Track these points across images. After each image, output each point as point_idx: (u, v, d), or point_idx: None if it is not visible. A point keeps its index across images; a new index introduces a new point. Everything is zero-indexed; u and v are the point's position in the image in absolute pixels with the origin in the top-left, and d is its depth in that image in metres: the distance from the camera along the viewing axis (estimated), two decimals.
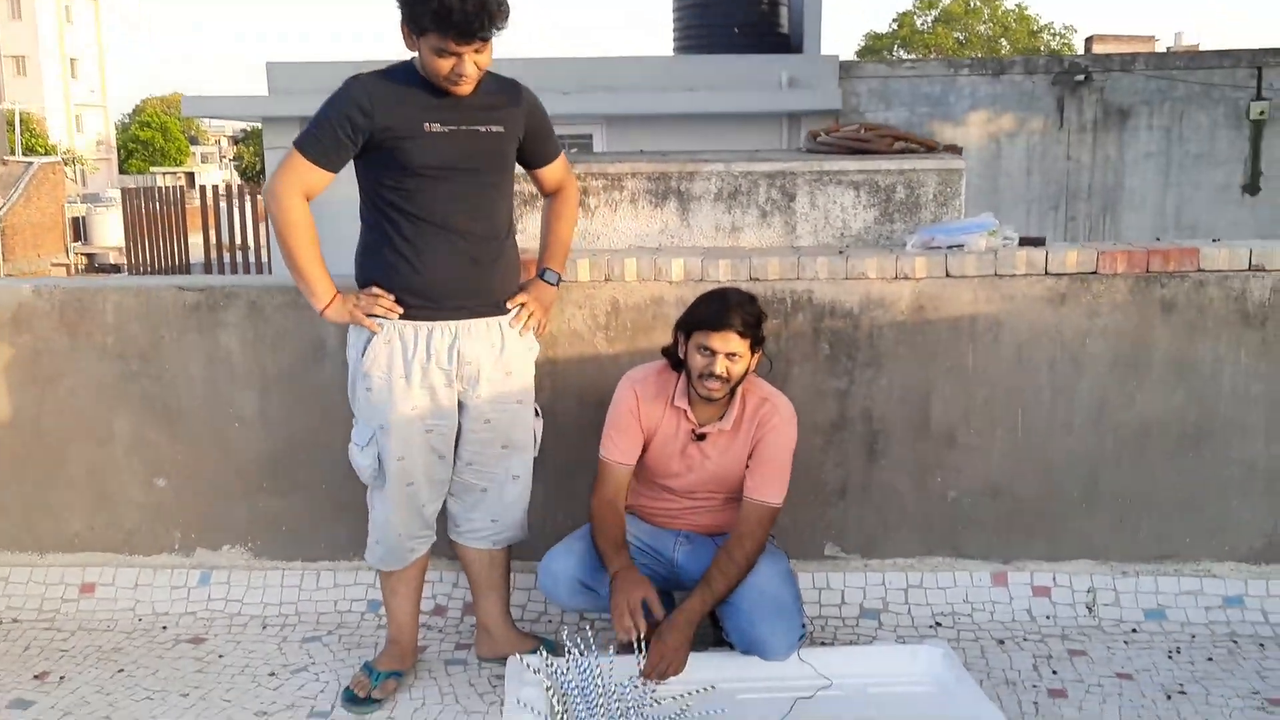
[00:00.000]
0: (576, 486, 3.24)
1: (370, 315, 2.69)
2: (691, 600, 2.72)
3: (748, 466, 2.86)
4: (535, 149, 2.89)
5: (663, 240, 3.48)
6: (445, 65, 2.56)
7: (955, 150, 3.70)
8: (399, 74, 2.67)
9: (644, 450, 2.93)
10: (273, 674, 3.01)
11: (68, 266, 25.50)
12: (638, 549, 2.91)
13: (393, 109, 2.61)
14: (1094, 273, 3.17)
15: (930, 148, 3.59)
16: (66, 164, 35.57)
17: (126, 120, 56.53)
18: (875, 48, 38.97)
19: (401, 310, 2.70)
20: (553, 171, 2.97)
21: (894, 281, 3.20)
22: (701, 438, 2.87)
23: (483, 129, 2.70)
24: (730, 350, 2.74)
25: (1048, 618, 3.24)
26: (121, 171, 49.31)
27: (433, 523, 2.93)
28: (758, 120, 9.39)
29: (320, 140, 2.61)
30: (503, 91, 2.77)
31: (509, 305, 2.83)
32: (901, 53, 38.20)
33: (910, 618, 3.26)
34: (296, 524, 3.44)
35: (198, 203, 15.24)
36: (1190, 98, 9.45)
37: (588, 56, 9.19)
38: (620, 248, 3.48)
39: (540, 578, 2.84)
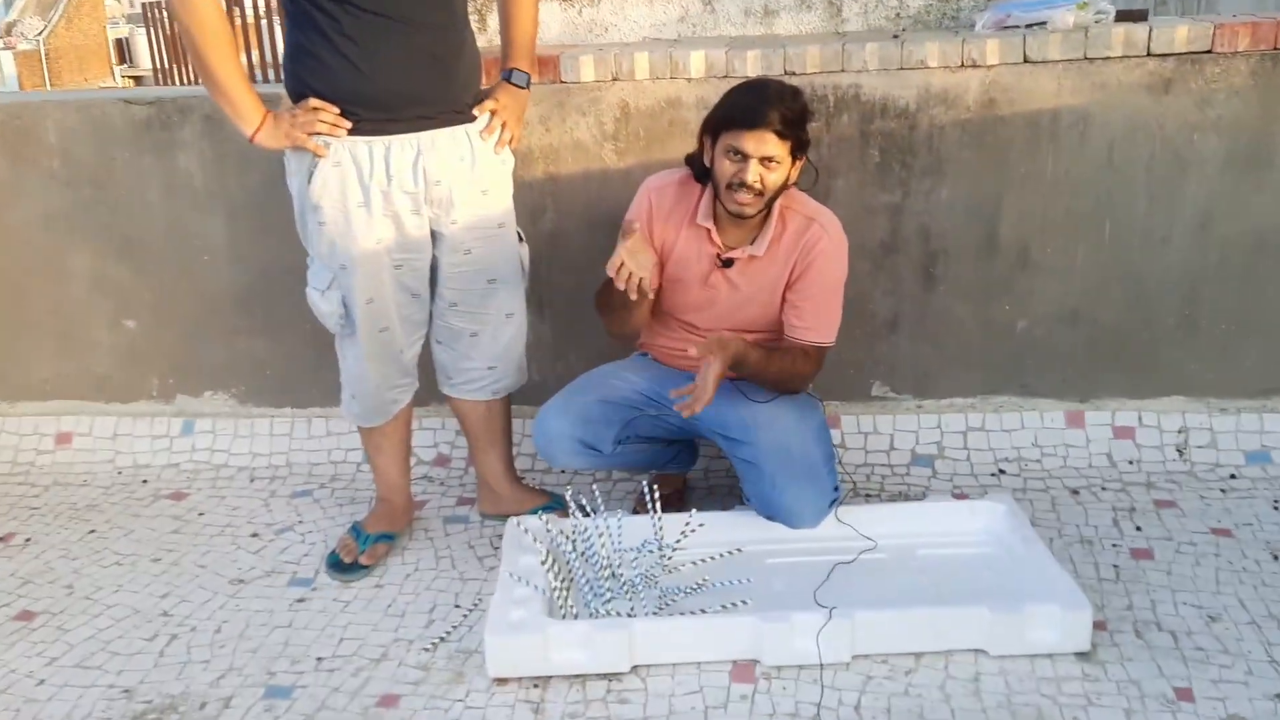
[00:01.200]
0: (586, 322, 2.83)
1: (313, 135, 2.24)
2: (748, 348, 2.33)
3: (785, 300, 2.41)
4: None
5: (682, 31, 2.94)
6: None
7: None
8: None
9: (659, 276, 2.50)
10: (255, 534, 2.72)
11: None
12: (647, 399, 2.52)
13: None
14: (1208, 52, 2.59)
15: None
16: None
17: None
18: None
19: (349, 125, 2.23)
20: None
21: (960, 71, 2.64)
22: (728, 264, 2.42)
23: None
24: (766, 154, 2.25)
25: (1131, 463, 2.81)
26: None
27: (413, 368, 2.56)
28: None
29: None
30: None
31: (475, 113, 2.35)
32: None
33: (969, 465, 2.86)
34: (283, 367, 3.10)
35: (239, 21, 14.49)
36: None
37: None
38: (631, 41, 2.94)
39: (535, 437, 2.46)
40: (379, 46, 2.19)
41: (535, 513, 2.67)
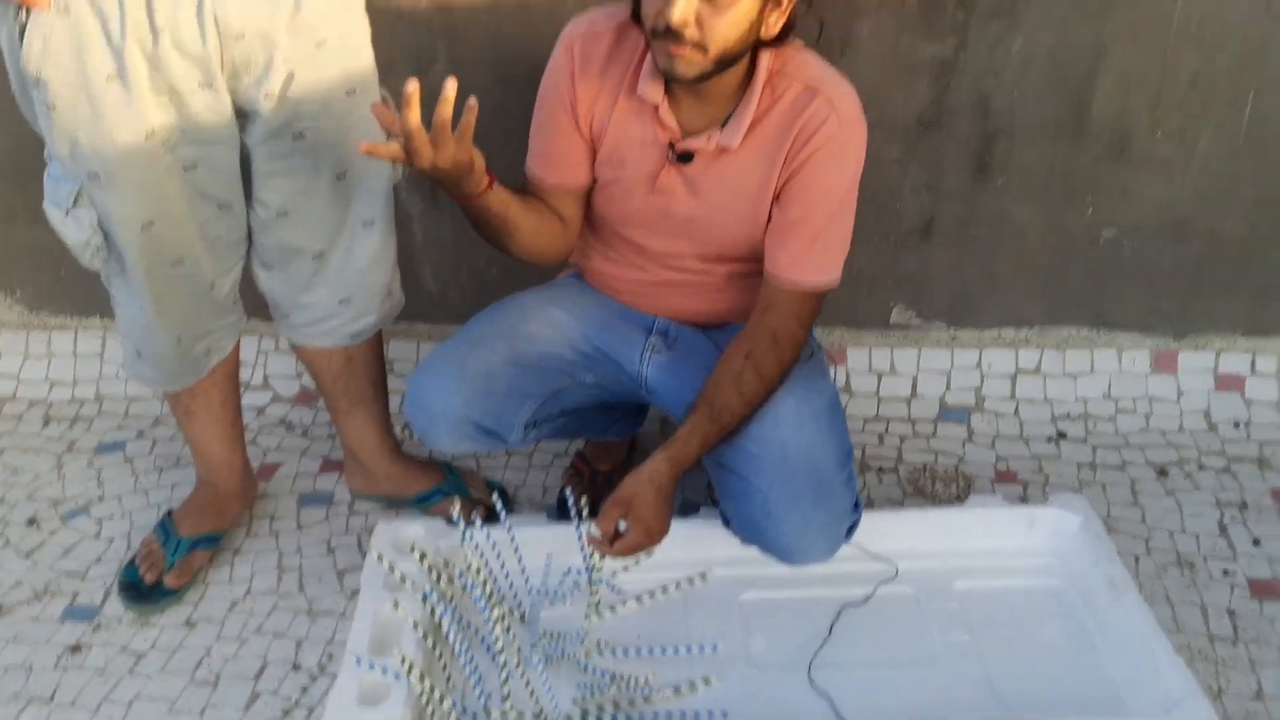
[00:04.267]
0: None
1: None
2: (680, 439, 1.56)
3: (772, 215, 1.58)
4: None
5: None
6: None
7: None
8: None
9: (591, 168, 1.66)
10: (33, 520, 1.97)
11: None
12: (583, 355, 1.72)
13: None
14: None
15: None
16: None
17: None
18: None
19: None
20: None
21: None
22: (686, 158, 1.56)
23: None
24: None
25: (1237, 426, 2.08)
26: None
27: (233, 302, 1.74)
28: None
29: None
30: None
31: None
32: None
33: (1018, 423, 2.11)
34: (74, 264, 2.25)
35: None
36: None
37: None
38: None
39: (409, 408, 1.66)
40: None
41: (421, 502, 1.93)
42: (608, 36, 1.58)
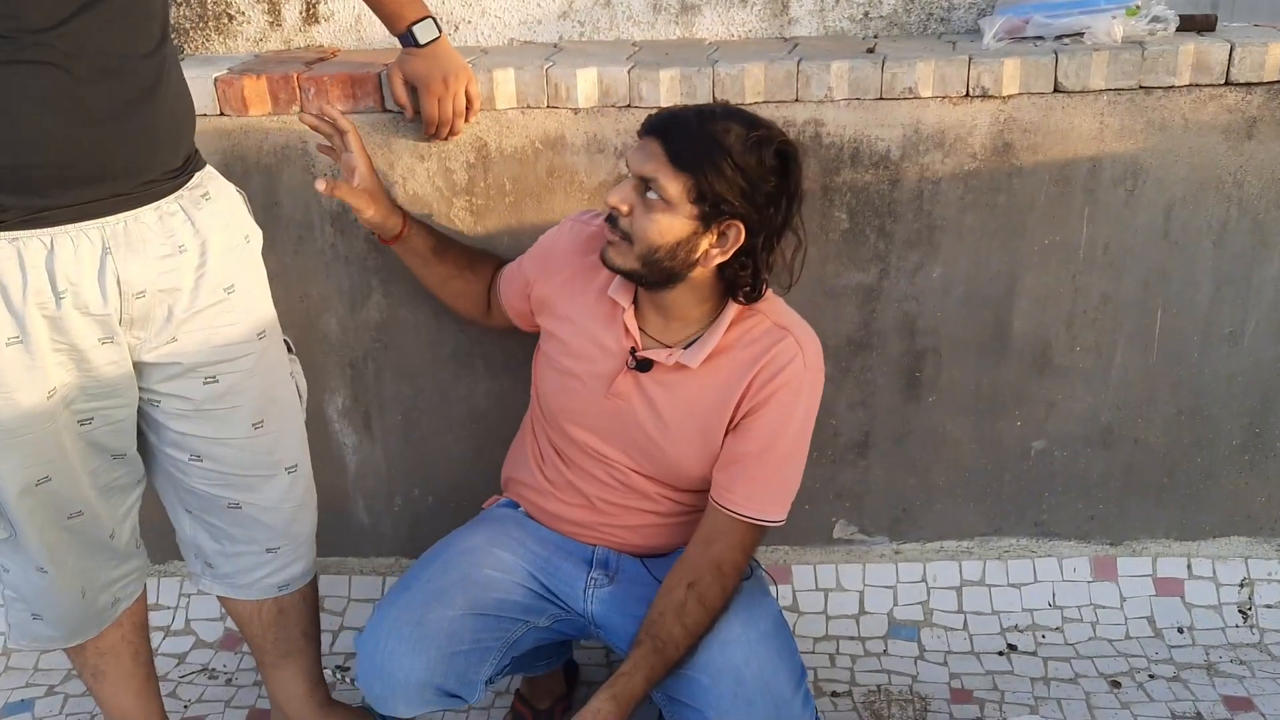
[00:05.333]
0: (436, 440, 2.05)
1: None
2: (624, 675, 1.50)
3: (725, 444, 1.59)
4: None
5: (566, 30, 2.06)
6: None
7: None
8: None
9: (538, 355, 1.72)
10: None
11: None
12: (537, 596, 1.66)
13: None
14: None
15: None
16: None
17: None
18: None
19: None
20: None
21: (962, 103, 1.84)
22: (644, 366, 1.59)
23: None
24: (645, 173, 1.46)
25: (1181, 631, 2.09)
26: None
27: (135, 545, 1.68)
28: None
29: None
30: None
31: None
32: None
33: (967, 636, 2.10)
34: None
35: None
36: None
37: None
38: (494, 45, 2.06)
39: (363, 677, 1.58)
40: (22, 89, 1.27)
41: None
42: (592, 233, 1.65)
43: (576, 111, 1.87)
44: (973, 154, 1.87)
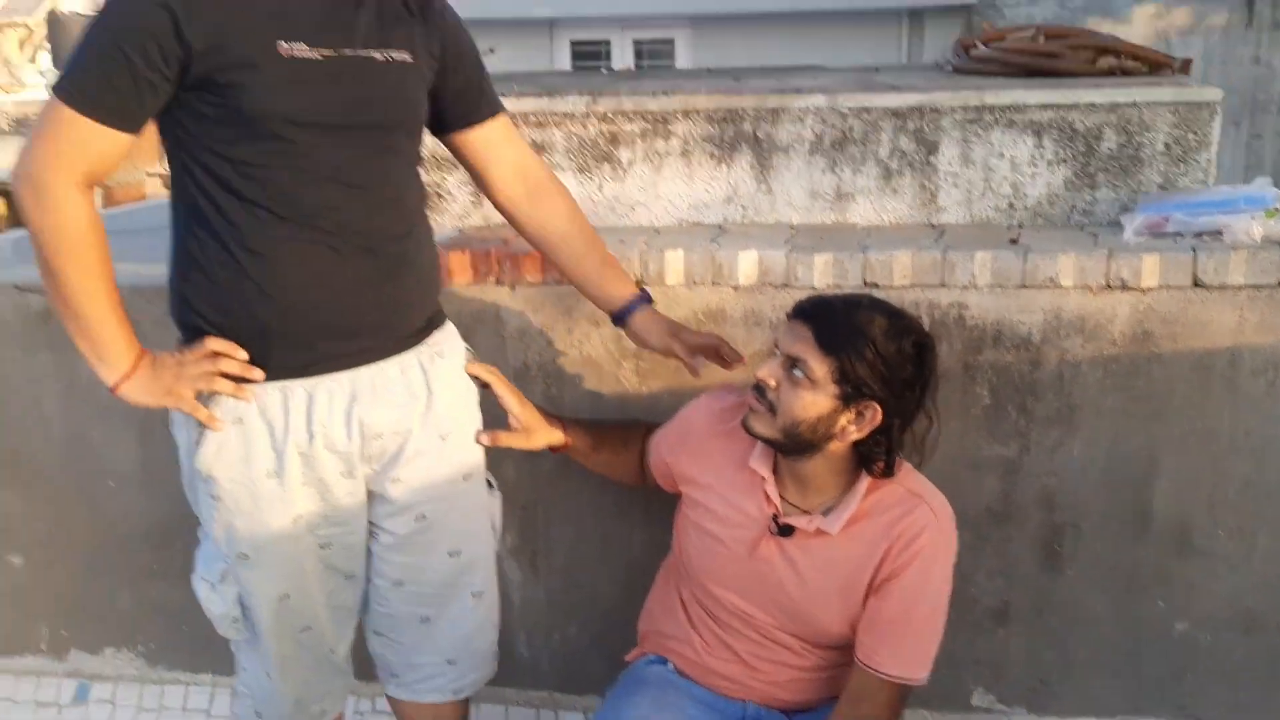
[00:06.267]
0: (594, 583, 2.23)
1: (208, 393, 1.59)
2: None
3: (867, 606, 1.70)
4: (465, 95, 1.72)
5: (730, 214, 2.28)
6: None
7: (1185, 68, 2.38)
8: None
9: (680, 517, 1.88)
10: None
11: (162, 176, 25.06)
12: None
13: (220, 19, 1.44)
14: None
15: (1157, 65, 2.29)
16: None
17: None
18: None
19: (261, 376, 1.58)
20: (501, 139, 1.78)
21: (1102, 293, 1.96)
22: (786, 531, 1.72)
23: (380, 56, 1.54)
24: (793, 353, 1.63)
25: None
26: None
27: (348, 664, 1.88)
28: (871, 19, 7.90)
29: (102, 78, 1.44)
30: None
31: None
32: None
33: None
34: (202, 621, 2.40)
35: None
36: None
37: None
38: (666, 226, 2.29)
39: None
40: (294, 263, 1.55)
41: None
42: (730, 407, 1.82)
43: (737, 289, 2.06)
44: (1112, 340, 1.97)
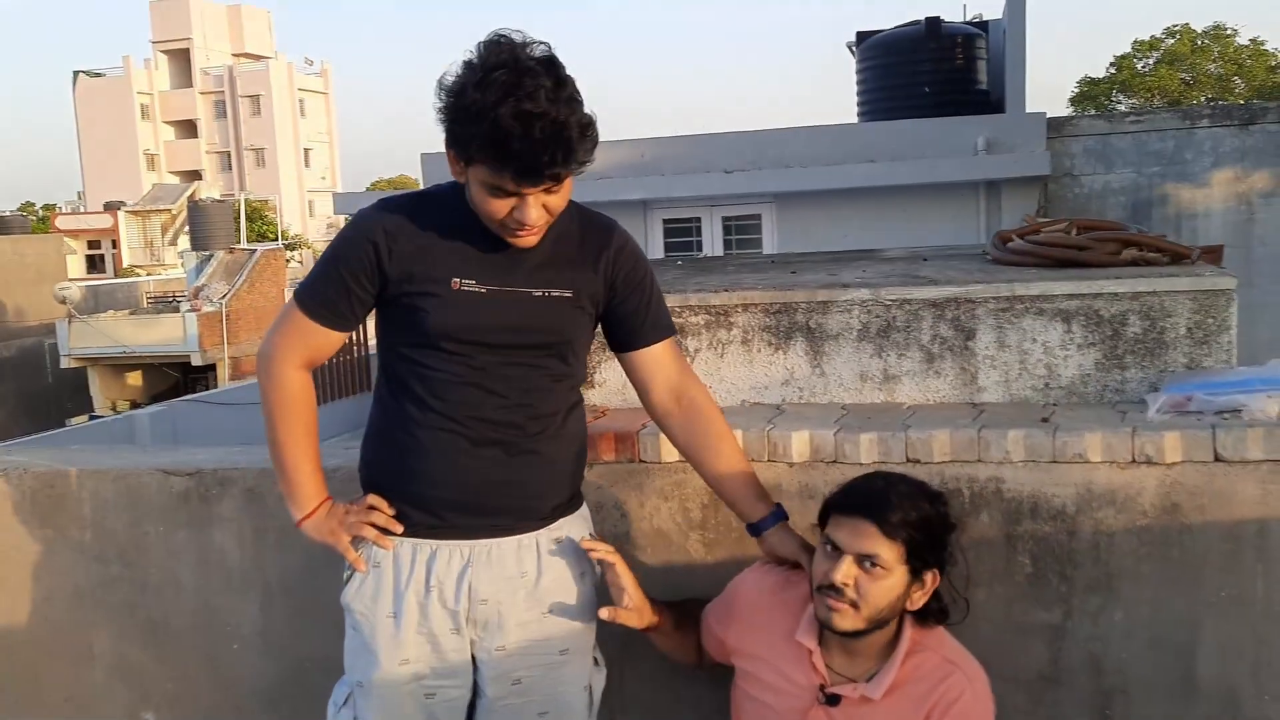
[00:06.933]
0: None
1: (358, 540, 1.94)
2: None
3: None
4: (628, 322, 2.01)
5: (788, 394, 2.51)
6: (501, 208, 1.76)
7: (1215, 254, 2.57)
8: (436, 202, 1.90)
9: (735, 690, 2.05)
10: None
11: None
12: None
13: (414, 252, 1.86)
14: None
15: (1178, 256, 2.49)
16: (291, 249, 37.37)
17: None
18: (1091, 93, 36.28)
19: (400, 530, 1.91)
20: (657, 362, 2.03)
21: (1130, 467, 2.11)
22: (833, 700, 1.88)
23: (538, 293, 1.88)
24: (864, 551, 1.80)
25: None
26: None
27: None
28: (950, 191, 8.22)
29: (324, 291, 1.91)
30: (585, 239, 1.94)
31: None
32: (1120, 98, 35.43)
33: None
34: None
35: None
36: None
37: (755, 129, 8.33)
38: (729, 406, 2.53)
39: None
40: (435, 443, 1.89)
41: None
42: (777, 585, 1.99)
43: (791, 465, 2.27)
44: (1143, 511, 2.11)
